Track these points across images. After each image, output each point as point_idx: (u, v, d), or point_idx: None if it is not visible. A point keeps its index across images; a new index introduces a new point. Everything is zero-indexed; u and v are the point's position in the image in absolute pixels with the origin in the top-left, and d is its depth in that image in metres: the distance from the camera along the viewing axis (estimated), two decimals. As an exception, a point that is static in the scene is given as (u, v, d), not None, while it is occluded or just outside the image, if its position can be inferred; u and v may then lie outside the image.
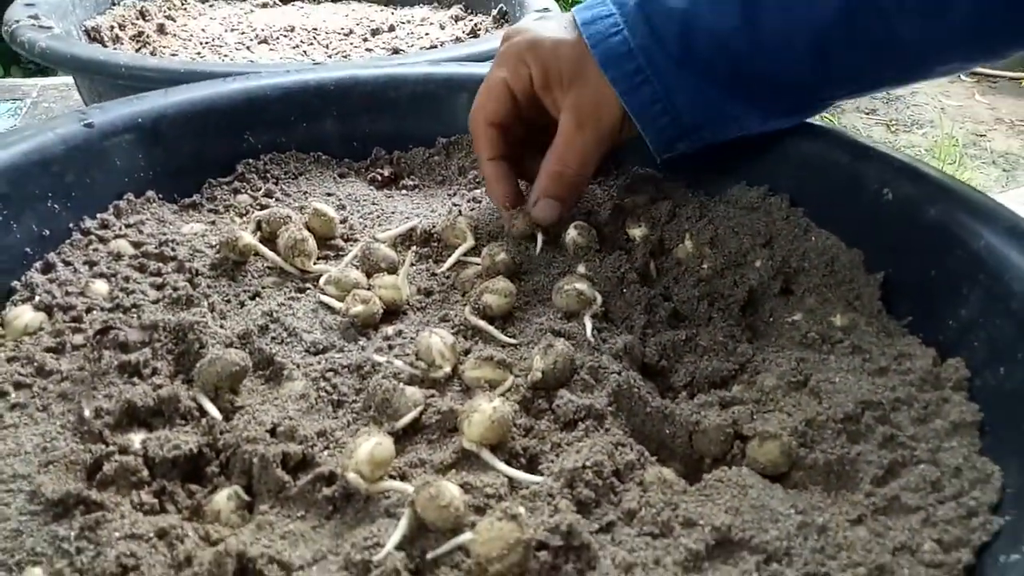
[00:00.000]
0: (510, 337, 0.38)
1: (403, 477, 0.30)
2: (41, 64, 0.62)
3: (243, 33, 0.90)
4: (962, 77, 3.77)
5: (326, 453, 0.31)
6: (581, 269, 0.42)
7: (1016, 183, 2.73)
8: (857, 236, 0.41)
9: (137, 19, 0.87)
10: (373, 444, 0.29)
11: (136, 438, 0.31)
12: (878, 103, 3.41)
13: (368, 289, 0.40)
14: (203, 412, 0.33)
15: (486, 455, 0.31)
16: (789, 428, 0.33)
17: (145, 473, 0.30)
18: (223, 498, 0.30)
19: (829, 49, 0.38)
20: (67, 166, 0.42)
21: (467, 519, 0.28)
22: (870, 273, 0.39)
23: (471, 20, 0.94)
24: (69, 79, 1.13)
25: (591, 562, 0.27)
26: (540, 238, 0.43)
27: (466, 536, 0.27)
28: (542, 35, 0.42)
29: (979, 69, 3.76)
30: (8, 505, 0.28)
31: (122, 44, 0.81)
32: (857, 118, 3.22)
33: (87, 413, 0.32)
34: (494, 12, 0.91)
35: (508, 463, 0.31)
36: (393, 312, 0.40)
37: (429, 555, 0.27)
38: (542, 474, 0.30)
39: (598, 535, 0.28)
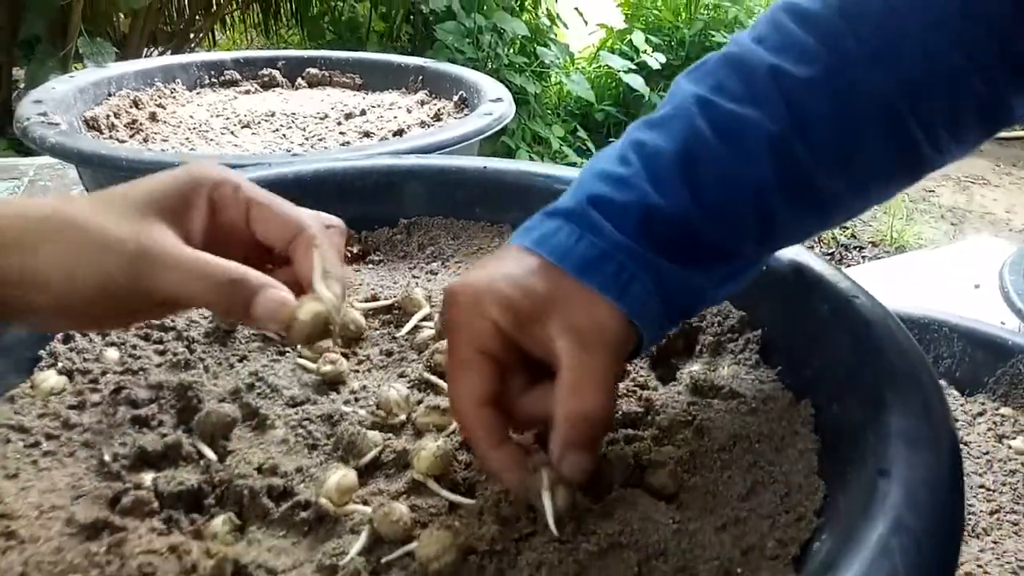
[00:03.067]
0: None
1: (365, 503, 0.38)
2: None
3: (227, 119, 0.99)
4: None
5: (303, 485, 0.39)
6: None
7: (963, 236, 2.89)
8: (743, 301, 0.50)
9: (131, 108, 0.96)
10: (340, 475, 0.37)
11: (147, 477, 0.39)
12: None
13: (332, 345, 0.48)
14: (201, 455, 0.40)
15: (431, 484, 0.38)
16: (677, 458, 0.41)
17: (156, 504, 0.37)
18: (219, 522, 0.37)
19: (769, 206, 0.39)
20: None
21: (414, 532, 0.35)
22: (752, 331, 0.48)
23: (435, 105, 1.04)
24: (63, 157, 1.21)
25: (510, 563, 0.34)
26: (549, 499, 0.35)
27: (412, 544, 0.34)
28: (491, 278, 0.37)
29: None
30: (50, 528, 0.35)
31: (117, 131, 0.90)
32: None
33: (107, 457, 0.39)
34: (455, 98, 1.02)
35: (451, 491, 0.39)
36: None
37: (383, 559, 0.34)
38: (476, 499, 0.38)
39: (517, 543, 0.35)
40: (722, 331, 0.49)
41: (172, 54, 3.10)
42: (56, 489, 0.38)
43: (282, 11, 3.99)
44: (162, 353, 0.48)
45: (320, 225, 0.38)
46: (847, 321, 0.41)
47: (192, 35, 3.30)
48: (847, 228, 2.85)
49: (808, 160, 0.38)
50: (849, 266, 2.17)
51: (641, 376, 0.49)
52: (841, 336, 0.41)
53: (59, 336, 0.47)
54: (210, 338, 0.50)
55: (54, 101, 0.82)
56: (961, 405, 0.89)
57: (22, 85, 2.82)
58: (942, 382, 0.88)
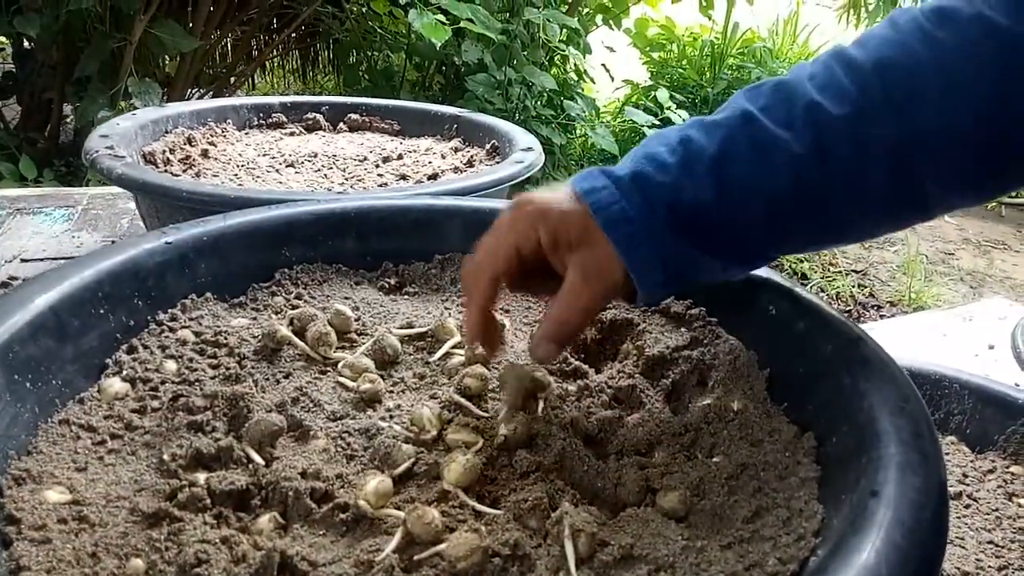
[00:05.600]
0: (483, 411, 0.50)
1: (398, 508, 0.41)
2: (89, 175, 0.76)
3: (273, 158, 1.05)
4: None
5: (342, 490, 0.42)
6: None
7: (981, 299, 2.89)
8: (753, 341, 0.53)
9: (185, 144, 1.02)
10: (377, 481, 0.41)
11: (201, 476, 0.42)
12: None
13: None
14: (250, 459, 0.44)
15: (460, 493, 0.42)
16: (687, 483, 0.44)
17: (208, 501, 0.41)
18: (265, 520, 0.40)
19: (779, 215, 0.46)
20: (150, 273, 0.54)
21: (444, 534, 0.39)
22: (761, 369, 0.51)
23: (468, 152, 1.10)
24: (113, 189, 1.28)
25: (531, 566, 0.37)
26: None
27: (442, 545, 0.37)
28: (550, 204, 0.47)
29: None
30: (116, 516, 0.39)
31: (172, 166, 0.96)
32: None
33: (165, 457, 0.43)
34: (487, 146, 1.07)
35: (477, 501, 0.42)
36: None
37: (415, 557, 0.37)
38: (500, 509, 0.41)
39: (537, 548, 0.39)
40: (733, 369, 0.53)
41: (214, 96, 3.23)
42: (121, 482, 0.41)
43: (320, 59, 4.15)
44: (216, 367, 0.52)
45: None
46: (847, 361, 0.45)
47: (233, 79, 3.44)
48: (865, 287, 2.86)
49: (823, 184, 0.45)
50: (863, 323, 2.18)
51: (656, 407, 0.52)
52: (841, 374, 0.44)
53: (124, 347, 0.52)
54: (259, 356, 0.54)
55: (119, 136, 0.88)
56: (971, 462, 0.90)
57: (68, 120, 2.96)
58: (952, 438, 0.91)
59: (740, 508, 0.42)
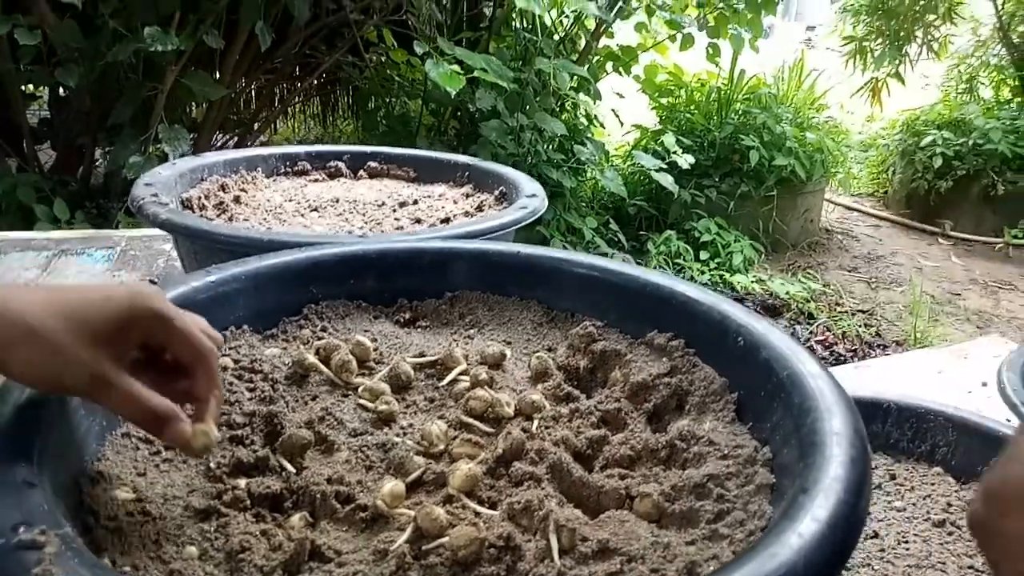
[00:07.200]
0: (486, 428, 0.57)
1: (409, 509, 0.48)
2: (136, 221, 0.83)
3: (299, 203, 1.14)
4: (939, 240, 4.08)
5: (362, 493, 0.49)
6: (538, 388, 0.61)
7: (978, 337, 2.92)
8: (724, 369, 0.60)
9: (219, 191, 1.11)
10: (392, 485, 0.48)
11: (242, 482, 0.50)
12: (859, 261, 3.69)
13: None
14: (283, 468, 0.51)
15: (463, 497, 0.49)
16: (659, 491, 0.51)
17: (248, 502, 0.48)
18: (296, 518, 0.48)
19: None
20: (197, 306, 0.62)
21: (447, 530, 0.45)
22: (730, 393, 0.58)
23: (478, 197, 1.18)
24: (149, 231, 1.38)
25: (520, 555, 0.44)
26: None
27: (445, 538, 0.44)
28: None
29: (955, 232, 4.07)
30: (173, 511, 0.46)
31: (207, 211, 1.05)
32: (840, 275, 3.48)
33: (212, 465, 0.51)
34: (496, 192, 1.16)
35: (477, 503, 0.49)
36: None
37: (423, 547, 0.44)
38: (496, 511, 0.48)
39: (527, 542, 0.45)
40: (707, 394, 0.60)
41: (238, 140, 3.38)
42: (175, 485, 0.49)
43: (340, 104, 4.31)
44: (252, 390, 0.59)
45: (215, 350, 0.48)
46: (797, 386, 0.52)
47: (257, 124, 3.59)
48: (872, 327, 2.90)
49: None
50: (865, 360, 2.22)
51: (639, 428, 0.59)
52: (793, 396, 0.51)
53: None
54: (289, 380, 0.61)
55: (161, 183, 0.97)
56: (956, 491, 0.96)
57: (98, 164, 3.10)
58: (939, 469, 0.97)
59: (705, 512, 0.49)
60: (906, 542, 0.91)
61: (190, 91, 2.57)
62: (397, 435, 0.56)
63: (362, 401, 0.59)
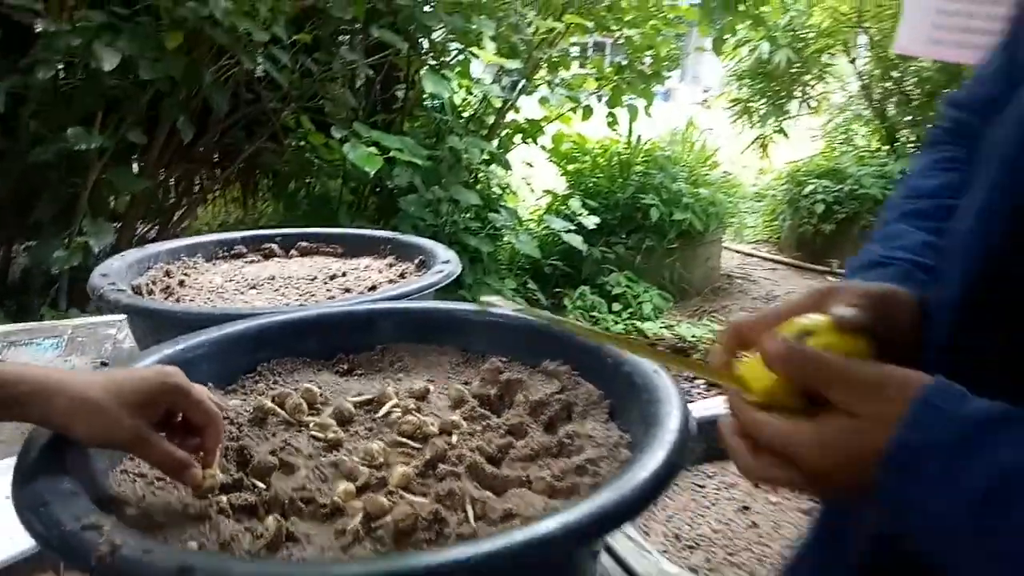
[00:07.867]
0: (415, 445, 0.72)
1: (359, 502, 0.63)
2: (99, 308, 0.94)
3: (238, 282, 1.27)
4: (828, 278, 4.47)
5: (321, 496, 0.63)
6: (457, 412, 0.77)
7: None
8: (600, 383, 0.77)
9: (164, 277, 1.24)
10: (346, 485, 0.62)
11: (224, 497, 0.63)
12: (759, 302, 4.00)
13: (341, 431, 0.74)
14: (255, 486, 0.65)
15: (400, 491, 0.64)
16: (551, 474, 0.67)
17: (230, 511, 0.62)
18: (271, 519, 0.61)
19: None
20: (170, 369, 0.76)
21: (389, 512, 0.60)
22: (605, 401, 0.75)
23: (400, 266, 1.34)
24: (93, 318, 1.47)
25: (445, 524, 0.59)
26: None
27: (388, 517, 0.59)
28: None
29: (841, 270, 4.46)
30: (173, 519, 0.59)
31: (155, 295, 1.18)
32: (742, 316, 3.76)
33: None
34: (416, 261, 1.33)
35: (411, 495, 0.64)
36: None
37: (372, 524, 0.59)
38: (426, 499, 0.63)
39: (450, 516, 0.60)
40: (588, 403, 0.76)
41: (160, 228, 3.44)
42: (170, 503, 0.62)
43: (260, 186, 4.42)
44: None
45: (220, 414, 0.65)
46: (647, 387, 0.69)
47: (177, 212, 3.66)
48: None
49: None
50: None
51: (537, 435, 0.75)
52: (643, 396, 0.68)
53: (155, 423, 0.73)
54: (252, 423, 0.75)
55: (114, 272, 1.10)
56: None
57: (15, 259, 3.10)
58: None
59: (584, 485, 0.65)
60: (780, 527, 1.09)
61: (113, 186, 2.65)
62: (344, 455, 0.70)
63: (314, 432, 0.74)
